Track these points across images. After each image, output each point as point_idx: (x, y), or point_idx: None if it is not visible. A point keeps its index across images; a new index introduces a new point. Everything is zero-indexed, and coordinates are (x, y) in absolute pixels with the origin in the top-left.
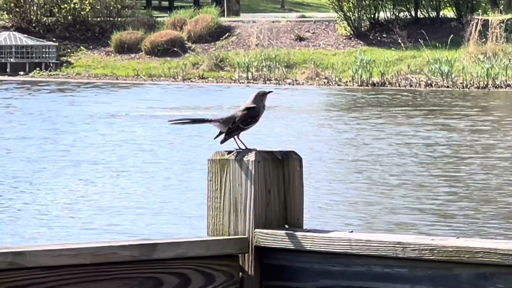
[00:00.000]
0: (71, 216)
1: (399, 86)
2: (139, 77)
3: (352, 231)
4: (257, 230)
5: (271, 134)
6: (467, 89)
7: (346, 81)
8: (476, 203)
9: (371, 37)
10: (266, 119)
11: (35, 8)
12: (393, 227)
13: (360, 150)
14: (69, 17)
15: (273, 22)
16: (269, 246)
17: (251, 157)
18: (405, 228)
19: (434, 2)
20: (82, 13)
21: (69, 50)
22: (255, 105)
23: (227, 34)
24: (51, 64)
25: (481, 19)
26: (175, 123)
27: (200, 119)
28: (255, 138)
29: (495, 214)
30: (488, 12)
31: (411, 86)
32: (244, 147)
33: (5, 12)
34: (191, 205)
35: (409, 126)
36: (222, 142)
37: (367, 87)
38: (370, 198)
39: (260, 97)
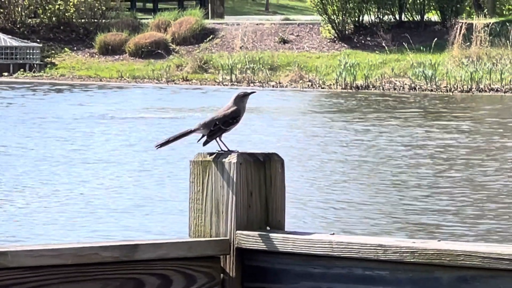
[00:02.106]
0: (65, 214)
1: (383, 89)
2: (123, 78)
3: (333, 233)
4: (238, 232)
5: (255, 136)
6: (450, 93)
7: (330, 84)
8: (483, 205)
9: (355, 40)
10: (252, 121)
11: (19, 9)
12: (390, 229)
13: (351, 151)
14: (54, 19)
15: (257, 24)
16: (251, 248)
17: (233, 158)
18: (409, 230)
19: (419, 6)
20: (66, 14)
21: (53, 52)
22: (236, 107)
23: (211, 36)
24: (35, 65)
25: (466, 23)
26: (162, 146)
27: (183, 133)
28: (239, 140)
29: (501, 214)
30: (472, 16)
31: (395, 89)
32: (226, 149)
33: None
34: (180, 205)
35: (401, 128)
36: (204, 144)
37: (351, 90)
38: (376, 199)
39: (241, 98)
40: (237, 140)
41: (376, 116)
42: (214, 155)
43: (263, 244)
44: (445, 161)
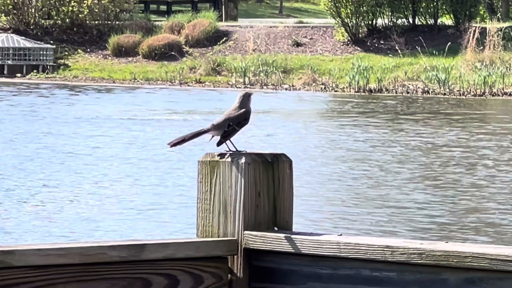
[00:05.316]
0: (74, 215)
1: (396, 93)
2: (136, 80)
3: (341, 234)
4: (246, 232)
5: (265, 138)
6: (463, 97)
7: (343, 87)
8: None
9: (368, 43)
10: (261, 123)
11: (33, 10)
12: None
13: (387, 152)
14: (67, 20)
15: (270, 27)
16: (258, 248)
17: (241, 159)
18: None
19: (432, 10)
20: (80, 16)
21: (66, 53)
22: (245, 107)
23: (225, 38)
24: (48, 67)
25: (479, 27)
26: (175, 145)
27: (196, 133)
28: (249, 141)
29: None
30: (486, 20)
31: (408, 93)
32: (234, 149)
33: (3, 14)
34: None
35: (419, 131)
36: (218, 144)
37: (363, 94)
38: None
39: (247, 98)
40: (271, 143)
41: (394, 120)
42: (222, 155)
43: (271, 244)
44: (495, 161)
